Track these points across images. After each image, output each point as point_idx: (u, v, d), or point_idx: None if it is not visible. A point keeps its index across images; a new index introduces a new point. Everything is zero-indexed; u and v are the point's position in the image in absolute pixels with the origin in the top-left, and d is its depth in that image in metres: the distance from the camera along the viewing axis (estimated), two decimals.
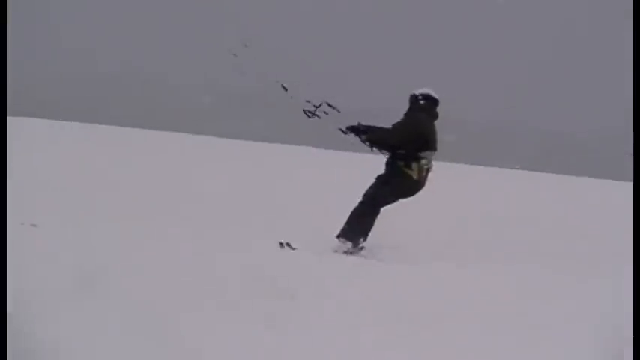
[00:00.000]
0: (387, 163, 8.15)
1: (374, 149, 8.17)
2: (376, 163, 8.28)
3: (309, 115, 8.24)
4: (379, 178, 8.14)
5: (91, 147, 20.62)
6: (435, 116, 8.24)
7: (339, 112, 8.26)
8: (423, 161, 8.04)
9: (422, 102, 8.13)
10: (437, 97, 8.21)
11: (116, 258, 5.31)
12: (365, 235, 7.98)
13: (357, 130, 8.15)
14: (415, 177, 8.01)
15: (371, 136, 8.12)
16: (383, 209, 8.11)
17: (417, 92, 8.18)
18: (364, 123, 8.19)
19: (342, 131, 8.19)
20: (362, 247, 7.92)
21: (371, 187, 8.11)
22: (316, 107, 8.25)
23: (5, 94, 4.62)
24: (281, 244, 7.42)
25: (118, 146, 22.45)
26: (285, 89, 8.32)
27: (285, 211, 10.53)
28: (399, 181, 8.03)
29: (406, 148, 8.00)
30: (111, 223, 7.43)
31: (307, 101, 8.27)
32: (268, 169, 19.54)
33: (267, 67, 8.88)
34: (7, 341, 3.66)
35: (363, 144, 8.19)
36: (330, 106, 8.27)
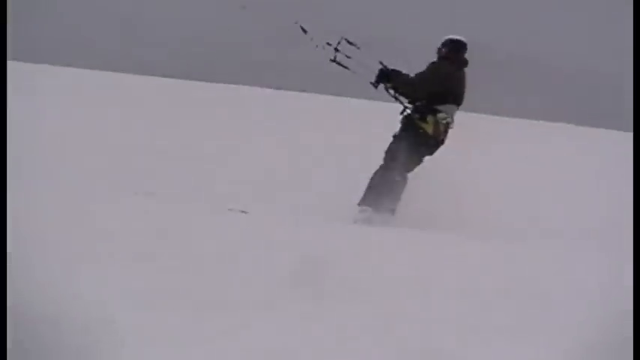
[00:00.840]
0: (402, 116, 7.57)
1: (396, 98, 7.58)
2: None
3: (338, 63, 7.56)
4: (394, 135, 7.57)
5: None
6: (463, 63, 7.58)
7: (358, 48, 7.56)
8: (440, 115, 7.41)
9: (443, 50, 7.55)
10: (462, 39, 7.57)
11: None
12: (387, 200, 7.29)
13: (384, 77, 7.51)
14: (430, 131, 7.38)
15: (395, 83, 7.50)
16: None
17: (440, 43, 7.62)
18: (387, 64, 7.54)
19: (374, 85, 7.56)
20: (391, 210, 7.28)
21: (388, 148, 7.54)
22: (336, 48, 7.55)
23: (5, 90, 4.26)
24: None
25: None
26: (305, 31, 7.65)
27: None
28: (411, 136, 7.41)
29: (425, 100, 7.40)
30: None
31: (328, 44, 7.58)
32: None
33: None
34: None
35: (386, 91, 7.58)
36: (349, 43, 7.57)
